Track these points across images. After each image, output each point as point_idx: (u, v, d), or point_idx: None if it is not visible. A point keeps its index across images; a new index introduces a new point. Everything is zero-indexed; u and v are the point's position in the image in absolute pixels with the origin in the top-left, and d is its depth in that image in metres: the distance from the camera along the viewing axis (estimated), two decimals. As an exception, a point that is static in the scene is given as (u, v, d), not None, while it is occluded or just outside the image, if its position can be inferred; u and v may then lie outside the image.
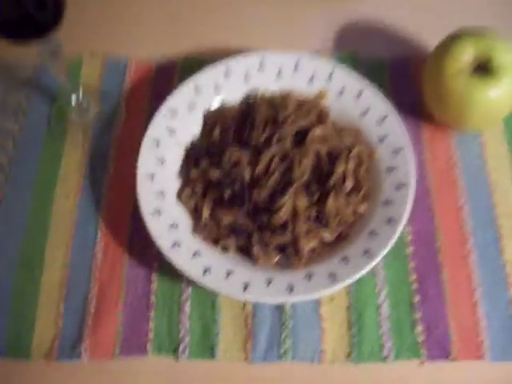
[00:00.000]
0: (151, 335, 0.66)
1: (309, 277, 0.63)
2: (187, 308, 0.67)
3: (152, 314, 0.67)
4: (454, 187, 0.73)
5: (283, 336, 0.65)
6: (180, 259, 0.64)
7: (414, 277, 0.68)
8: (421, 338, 0.65)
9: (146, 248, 0.69)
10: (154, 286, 0.68)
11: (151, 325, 0.66)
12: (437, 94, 0.72)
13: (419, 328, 0.65)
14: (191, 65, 0.82)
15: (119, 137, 0.77)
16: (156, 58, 0.83)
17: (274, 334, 0.65)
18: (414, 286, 0.67)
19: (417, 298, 0.66)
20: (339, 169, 0.68)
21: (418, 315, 0.66)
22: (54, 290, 0.68)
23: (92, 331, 0.66)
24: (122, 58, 0.83)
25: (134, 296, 0.68)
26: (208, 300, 0.67)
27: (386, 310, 0.66)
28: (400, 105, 0.76)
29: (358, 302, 0.67)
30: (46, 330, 0.66)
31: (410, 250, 0.69)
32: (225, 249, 0.67)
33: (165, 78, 0.81)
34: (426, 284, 0.67)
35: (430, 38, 0.81)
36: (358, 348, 0.64)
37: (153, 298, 0.68)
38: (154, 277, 0.69)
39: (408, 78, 0.80)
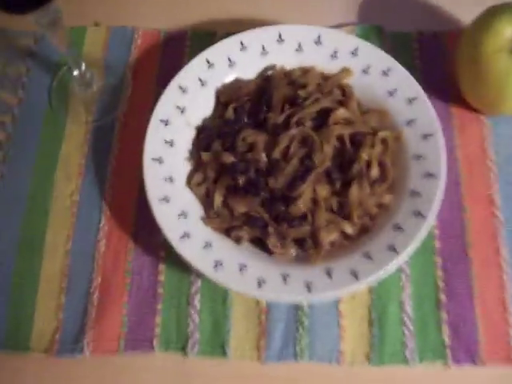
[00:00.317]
0: (158, 330, 0.62)
1: (328, 273, 0.58)
2: (197, 302, 0.63)
3: (159, 306, 0.63)
4: (485, 175, 0.67)
5: (299, 334, 0.61)
6: (189, 251, 0.59)
7: (440, 273, 0.63)
8: (446, 339, 0.60)
9: (152, 235, 0.64)
10: (162, 276, 0.64)
11: (158, 319, 0.62)
12: (472, 72, 0.65)
13: (445, 328, 0.61)
14: (202, 35, 0.76)
15: (125, 113, 0.72)
16: (164, 27, 0.77)
17: (289, 331, 0.61)
18: (441, 282, 0.62)
19: (443, 296, 0.62)
20: (363, 155, 0.62)
21: (443, 314, 0.61)
22: (55, 279, 0.64)
23: (95, 324, 0.62)
24: (129, 27, 0.77)
25: (139, 287, 0.63)
26: (219, 294, 0.63)
27: (409, 307, 0.61)
28: (428, 84, 0.70)
29: (379, 299, 0.62)
30: (46, 322, 0.62)
31: (436, 243, 0.64)
32: (238, 240, 0.62)
33: (174, 49, 0.75)
34: (453, 281, 0.62)
35: (463, 11, 0.75)
36: (379, 348, 0.60)
37: (160, 290, 0.63)
38: (162, 267, 0.64)
39: (438, 54, 0.74)
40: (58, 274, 0.64)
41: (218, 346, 0.61)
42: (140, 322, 0.62)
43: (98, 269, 0.64)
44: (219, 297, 0.63)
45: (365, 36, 0.75)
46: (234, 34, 0.73)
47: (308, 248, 0.61)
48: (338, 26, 0.76)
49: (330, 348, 0.60)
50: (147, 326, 0.62)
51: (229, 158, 0.62)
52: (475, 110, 0.70)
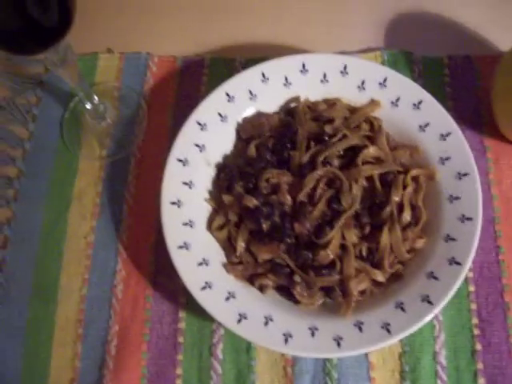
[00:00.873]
0: (179, 381, 0.59)
1: (359, 327, 0.55)
2: (219, 352, 0.60)
3: (180, 357, 0.60)
4: (522, 213, 0.63)
5: (328, 388, 0.58)
6: (212, 303, 0.56)
7: (475, 321, 0.59)
8: (483, 393, 0.57)
9: (171, 280, 0.61)
10: (182, 324, 0.61)
11: (179, 370, 0.59)
12: (510, 104, 0.61)
13: (481, 380, 0.57)
14: (221, 62, 0.72)
15: (140, 147, 0.68)
16: (180, 54, 0.73)
17: (317, 384, 0.58)
18: (476, 331, 0.59)
19: (479, 346, 0.59)
20: (395, 197, 0.59)
21: (480, 365, 0.58)
22: (71, 327, 0.62)
23: (113, 375, 0.59)
24: (143, 54, 0.73)
25: (159, 335, 0.61)
26: (243, 343, 0.60)
27: (443, 358, 0.58)
28: (460, 113, 0.67)
29: (412, 349, 0.59)
30: (63, 373, 0.60)
31: (471, 288, 0.61)
32: (262, 289, 0.59)
33: (191, 77, 0.72)
34: (489, 329, 0.59)
35: (498, 35, 0.70)
36: (412, 402, 0.57)
37: (180, 339, 0.60)
38: (182, 314, 0.61)
39: (471, 81, 0.70)
40: (74, 321, 0.62)
41: (242, 399, 0.58)
42: (160, 374, 0.59)
43: (115, 316, 0.61)
44: (243, 346, 0.60)
45: (393, 61, 0.71)
46: (253, 60, 0.70)
47: (336, 297, 0.57)
48: (365, 51, 0.72)
49: (360, 402, 0.57)
50: (168, 378, 0.59)
51: (252, 202, 0.59)
52: (511, 143, 0.66)
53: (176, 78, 0.72)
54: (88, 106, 0.67)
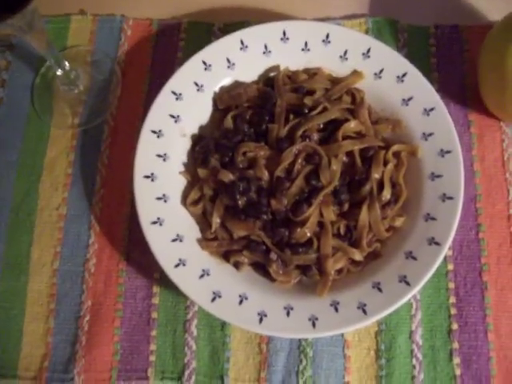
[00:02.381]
0: (153, 358, 0.58)
1: (335, 307, 0.54)
2: (193, 328, 0.59)
3: (154, 332, 0.59)
4: (504, 191, 0.62)
5: (302, 366, 0.57)
6: (185, 281, 0.55)
7: (453, 300, 0.59)
8: (458, 372, 0.57)
9: (145, 255, 0.59)
10: (156, 300, 0.60)
11: (153, 346, 0.59)
12: (496, 78, 0.59)
13: (456, 360, 0.57)
14: (198, 27, 0.69)
15: (114, 115, 0.66)
16: (157, 17, 0.70)
17: (291, 362, 0.58)
18: (453, 310, 0.59)
19: (455, 325, 0.58)
20: (375, 174, 0.57)
21: (455, 345, 0.58)
22: (43, 301, 0.60)
23: (86, 352, 0.58)
24: (118, 16, 0.70)
25: (132, 311, 0.60)
26: (217, 320, 0.58)
27: (419, 337, 0.58)
28: (445, 85, 0.65)
29: (388, 327, 0.58)
30: (35, 348, 0.59)
31: (449, 266, 0.60)
32: (237, 266, 0.57)
33: (167, 42, 0.69)
34: (466, 308, 0.59)
35: (488, 5, 0.67)
36: (386, 381, 0.57)
37: (154, 315, 0.59)
38: (156, 289, 0.60)
39: (458, 52, 0.67)
40: (46, 295, 0.60)
41: (216, 376, 0.58)
42: (134, 350, 0.59)
43: (87, 290, 0.60)
44: (217, 323, 0.59)
45: (378, 29, 0.68)
46: (232, 25, 0.67)
47: (313, 275, 0.56)
48: (350, 18, 0.69)
49: (334, 380, 0.57)
50: (141, 354, 0.58)
51: (227, 177, 0.57)
52: (496, 118, 0.64)
53: (152, 43, 0.69)
54: (59, 73, 0.64)
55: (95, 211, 0.62)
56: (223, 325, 0.59)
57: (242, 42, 0.62)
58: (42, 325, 0.60)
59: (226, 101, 0.62)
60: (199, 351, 0.58)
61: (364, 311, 0.53)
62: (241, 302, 0.54)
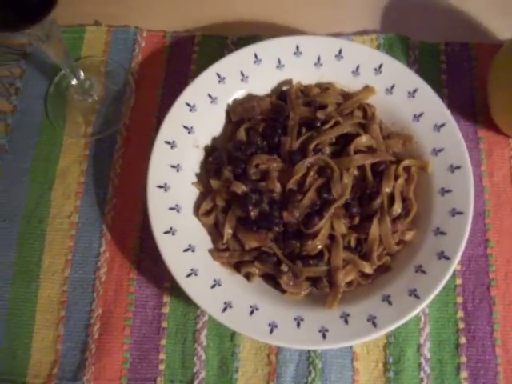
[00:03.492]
0: (162, 366, 0.58)
1: (345, 319, 0.54)
2: (203, 337, 0.59)
3: (163, 342, 0.59)
4: (513, 207, 0.63)
5: (311, 377, 0.58)
6: (197, 290, 0.55)
7: (461, 314, 0.59)
8: (465, 386, 0.57)
9: (157, 264, 0.60)
10: (166, 309, 0.60)
11: (162, 355, 0.59)
12: (506, 96, 0.60)
13: (464, 374, 0.57)
14: (212, 39, 0.70)
15: (127, 126, 0.66)
16: (171, 29, 0.71)
17: (300, 374, 0.58)
18: (461, 324, 0.59)
19: (463, 339, 0.59)
20: (386, 188, 0.58)
21: (463, 359, 0.58)
22: (53, 308, 0.61)
23: (95, 360, 0.58)
24: (132, 28, 0.71)
25: (143, 319, 0.60)
26: (227, 329, 0.59)
27: (427, 350, 0.58)
28: (455, 101, 0.66)
29: (397, 340, 0.59)
30: (44, 355, 0.59)
31: (458, 281, 0.60)
32: (248, 277, 0.58)
33: (181, 54, 0.69)
34: (474, 323, 0.59)
35: (497, 24, 0.69)
36: (395, 394, 0.57)
37: (164, 324, 0.60)
38: (166, 299, 0.60)
39: (468, 69, 0.68)
40: (56, 302, 0.61)
41: (225, 386, 0.58)
42: (143, 359, 0.59)
43: (98, 299, 0.60)
44: (227, 333, 0.59)
45: (389, 45, 0.69)
46: (245, 38, 0.68)
47: (323, 287, 0.57)
48: (361, 33, 0.70)
49: (343, 392, 0.57)
50: (150, 362, 0.59)
51: (240, 188, 0.57)
52: (505, 134, 0.65)
53: (165, 54, 0.69)
54: (73, 82, 0.65)
55: (107, 220, 0.63)
56: (233, 335, 0.59)
57: (255, 56, 0.63)
58: (52, 332, 0.60)
59: (239, 113, 0.62)
60: (208, 361, 0.59)
61: (374, 324, 0.54)
62: (251, 312, 0.55)
